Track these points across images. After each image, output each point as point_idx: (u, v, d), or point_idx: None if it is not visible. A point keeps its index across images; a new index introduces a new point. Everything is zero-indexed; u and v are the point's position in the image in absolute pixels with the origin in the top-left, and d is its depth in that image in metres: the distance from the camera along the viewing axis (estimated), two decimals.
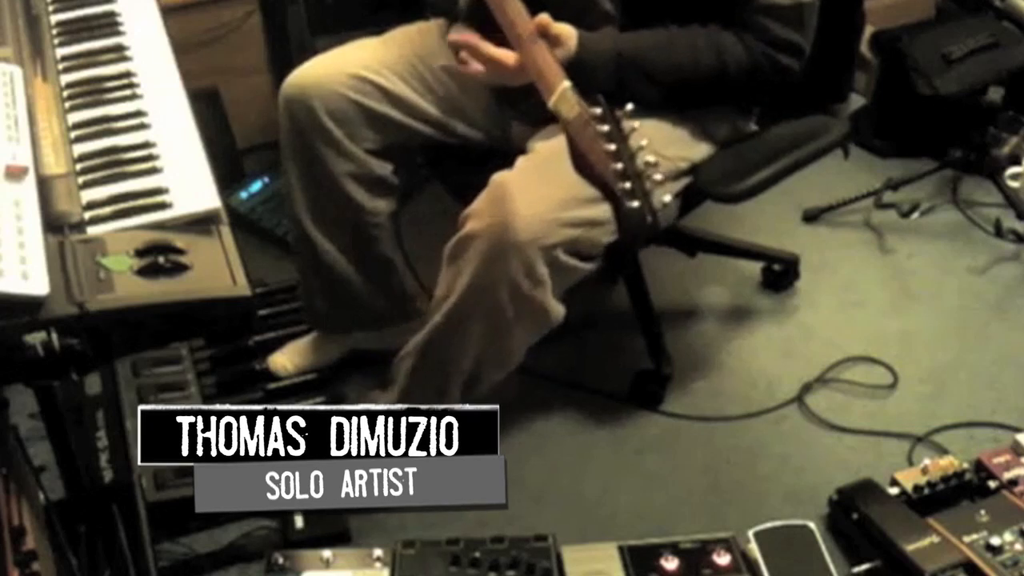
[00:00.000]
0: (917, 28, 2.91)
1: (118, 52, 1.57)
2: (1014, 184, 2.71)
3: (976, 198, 2.80)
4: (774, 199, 2.38)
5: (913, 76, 2.78)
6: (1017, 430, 2.08)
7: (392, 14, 2.15)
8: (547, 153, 1.80)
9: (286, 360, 2.24)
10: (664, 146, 1.87)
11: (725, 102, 1.98)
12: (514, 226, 1.72)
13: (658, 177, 1.45)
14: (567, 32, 1.75)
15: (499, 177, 1.78)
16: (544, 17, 1.71)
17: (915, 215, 2.72)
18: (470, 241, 1.76)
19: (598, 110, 1.49)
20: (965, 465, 1.99)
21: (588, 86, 1.72)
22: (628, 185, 1.43)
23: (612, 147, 1.45)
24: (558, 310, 1.87)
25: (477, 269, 1.76)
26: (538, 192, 1.74)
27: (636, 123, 1.48)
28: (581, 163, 1.50)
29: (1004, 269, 2.60)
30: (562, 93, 1.58)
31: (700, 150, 1.97)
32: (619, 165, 1.44)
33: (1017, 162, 2.74)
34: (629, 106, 1.50)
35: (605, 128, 1.46)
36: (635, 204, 1.43)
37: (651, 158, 1.45)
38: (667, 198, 1.45)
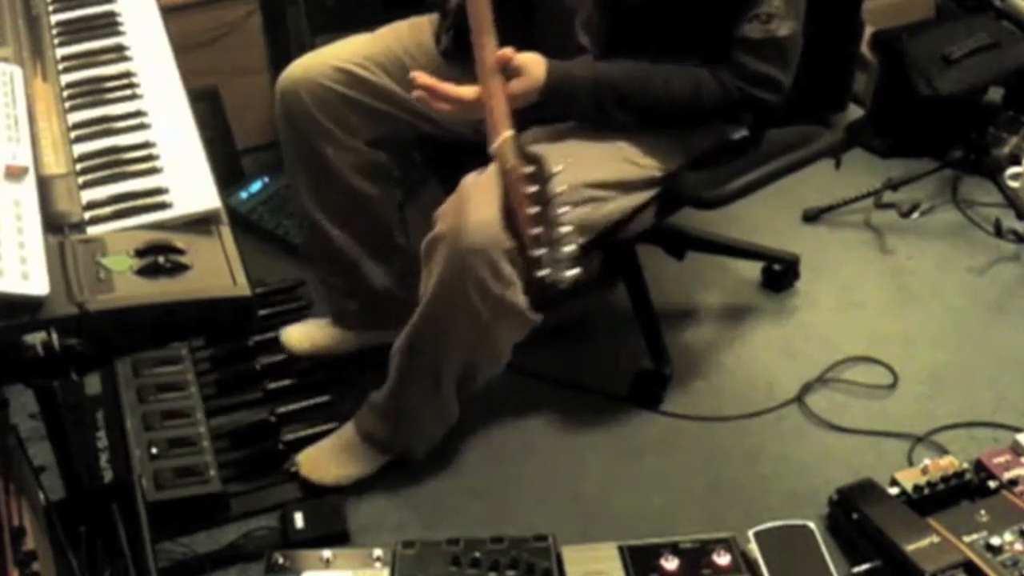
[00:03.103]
0: (917, 28, 2.91)
1: (118, 52, 1.57)
2: (1014, 184, 2.71)
3: (976, 198, 2.80)
4: (774, 199, 2.39)
5: (913, 76, 2.78)
6: (1017, 430, 2.09)
7: (391, 14, 2.14)
8: None
9: (303, 337, 2.25)
10: (639, 155, 1.90)
11: (701, 127, 1.98)
12: (471, 229, 1.72)
13: (569, 249, 1.42)
14: (532, 61, 1.72)
15: (467, 180, 1.78)
16: (507, 51, 1.67)
17: (915, 215, 2.72)
18: (437, 243, 1.77)
19: (530, 169, 1.45)
20: (965, 465, 1.99)
21: (567, 110, 1.77)
22: (538, 253, 1.41)
23: (534, 211, 1.43)
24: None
25: (444, 271, 1.76)
26: (497, 196, 1.73)
27: (563, 188, 1.44)
28: (507, 215, 1.48)
29: (1004, 269, 2.60)
30: (503, 142, 1.53)
31: (676, 159, 1.96)
32: (535, 231, 1.42)
33: (1017, 162, 2.74)
34: (559, 167, 1.46)
35: (532, 189, 1.44)
36: (541, 273, 1.41)
37: (567, 228, 1.43)
38: (572, 272, 1.42)
